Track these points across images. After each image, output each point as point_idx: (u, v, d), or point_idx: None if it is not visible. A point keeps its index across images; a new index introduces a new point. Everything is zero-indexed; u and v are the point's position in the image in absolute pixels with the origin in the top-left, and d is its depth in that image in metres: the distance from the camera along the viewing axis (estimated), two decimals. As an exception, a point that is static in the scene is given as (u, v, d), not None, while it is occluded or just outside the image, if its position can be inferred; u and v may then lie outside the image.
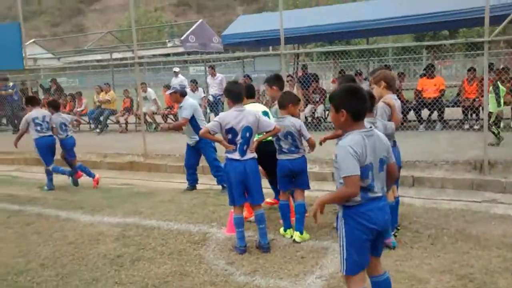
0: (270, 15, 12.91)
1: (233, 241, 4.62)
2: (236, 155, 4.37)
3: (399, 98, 4.98)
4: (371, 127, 2.86)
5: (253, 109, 4.75)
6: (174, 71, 14.70)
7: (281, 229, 4.85)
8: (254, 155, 4.46)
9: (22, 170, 9.90)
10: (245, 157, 4.37)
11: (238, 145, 4.35)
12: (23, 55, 10.65)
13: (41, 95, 16.20)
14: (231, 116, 4.39)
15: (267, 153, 4.87)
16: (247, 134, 4.36)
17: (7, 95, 15.36)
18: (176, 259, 4.27)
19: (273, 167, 4.88)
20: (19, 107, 15.38)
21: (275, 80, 5.35)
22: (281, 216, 4.85)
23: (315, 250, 4.36)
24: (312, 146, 4.76)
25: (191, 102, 6.84)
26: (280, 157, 4.72)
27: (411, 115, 10.50)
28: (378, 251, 2.93)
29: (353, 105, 2.76)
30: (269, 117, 5.27)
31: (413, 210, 5.40)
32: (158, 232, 5.02)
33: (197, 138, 6.58)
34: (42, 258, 4.45)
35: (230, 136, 4.36)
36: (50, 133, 7.58)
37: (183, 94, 6.78)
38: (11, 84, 15.64)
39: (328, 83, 16.33)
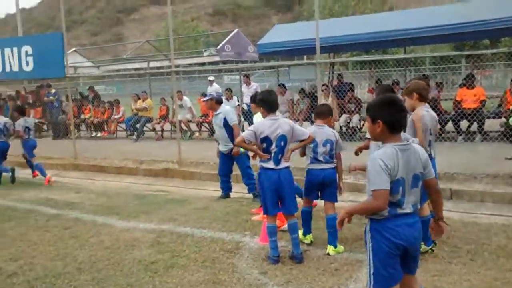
0: (305, 24, 12.91)
1: (266, 250, 4.60)
2: (270, 164, 4.37)
3: (437, 109, 4.88)
4: (408, 141, 2.78)
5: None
6: (209, 80, 14.87)
7: (300, 232, 4.81)
8: (289, 164, 4.45)
9: (61, 175, 10.16)
10: (280, 166, 4.37)
11: (273, 154, 4.35)
12: (65, 63, 11.00)
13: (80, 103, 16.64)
14: (265, 125, 4.40)
15: None
16: (282, 143, 4.35)
17: (48, 102, 15.90)
18: (209, 267, 4.28)
19: None
20: (59, 114, 15.90)
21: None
22: (302, 220, 4.83)
23: (349, 263, 4.28)
24: (339, 159, 4.76)
25: (229, 108, 6.90)
26: (312, 166, 4.67)
27: (450, 126, 10.24)
28: (410, 268, 2.83)
29: (389, 116, 2.71)
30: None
31: (451, 223, 5.23)
32: (192, 240, 5.05)
33: (231, 145, 6.60)
34: (78, 262, 4.54)
35: (264, 145, 4.37)
36: (2, 139, 8.83)
37: (218, 101, 6.80)
38: (53, 91, 16.19)
39: (364, 93, 16.15)
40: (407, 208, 2.71)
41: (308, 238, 4.84)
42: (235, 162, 6.92)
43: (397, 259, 2.72)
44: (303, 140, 4.53)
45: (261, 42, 12.05)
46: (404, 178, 2.68)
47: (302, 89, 12.80)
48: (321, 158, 4.62)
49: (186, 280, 4.01)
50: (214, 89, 14.20)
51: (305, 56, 16.90)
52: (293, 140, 4.54)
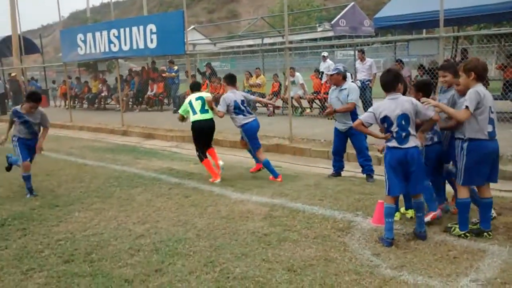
0: (427, -4, 12.09)
1: (379, 232, 4.51)
2: (394, 143, 4.27)
3: None
4: None
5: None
6: (323, 56, 14.68)
7: (402, 208, 4.96)
8: (417, 143, 4.30)
9: (180, 147, 10.83)
10: (405, 145, 4.24)
11: (395, 134, 4.24)
12: (185, 40, 11.56)
13: (199, 79, 17.46)
14: (385, 105, 4.31)
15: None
16: (403, 122, 4.21)
17: (169, 77, 16.92)
18: (320, 244, 4.31)
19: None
20: (177, 89, 16.86)
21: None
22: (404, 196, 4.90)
23: (470, 251, 4.03)
24: None
25: (355, 86, 6.76)
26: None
27: None
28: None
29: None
30: (203, 102, 6.96)
31: None
32: (303, 215, 5.11)
33: (350, 123, 6.49)
34: (198, 229, 4.84)
35: (385, 125, 4.29)
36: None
37: (345, 77, 6.66)
38: (175, 67, 17.17)
39: (491, 69, 14.79)
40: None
41: (410, 213, 4.91)
42: (350, 141, 6.80)
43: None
44: (429, 121, 4.38)
45: (378, 16, 11.58)
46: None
47: (421, 65, 12.12)
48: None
49: (298, 254, 4.08)
50: (326, 65, 14.05)
51: (424, 30, 15.92)
52: (418, 120, 4.37)
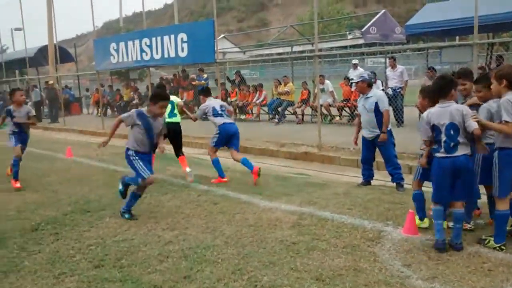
0: (460, 2, 11.88)
1: (409, 242, 4.42)
2: (443, 153, 4.22)
3: None
4: None
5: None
6: (353, 63, 14.64)
7: (417, 219, 4.85)
8: (467, 151, 4.22)
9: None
10: (454, 154, 4.18)
11: (443, 143, 4.20)
12: (215, 49, 11.68)
13: (228, 86, 17.61)
14: (434, 113, 4.26)
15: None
16: (452, 132, 4.15)
17: (198, 85, 17.10)
18: (350, 254, 4.24)
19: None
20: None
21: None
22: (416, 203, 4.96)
23: (506, 264, 3.90)
24: None
25: (382, 93, 6.69)
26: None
27: None
28: None
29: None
30: (172, 106, 7.62)
31: None
32: (332, 224, 5.05)
33: (377, 131, 6.41)
34: (226, 237, 4.84)
35: (434, 133, 4.26)
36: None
37: (370, 84, 6.60)
38: (205, 75, 17.36)
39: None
40: None
41: (426, 222, 4.86)
42: (378, 150, 6.71)
43: None
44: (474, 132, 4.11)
45: (409, 23, 11.46)
46: None
47: (454, 72, 11.88)
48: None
49: (327, 264, 4.03)
50: (357, 73, 13.98)
51: (457, 37, 15.62)
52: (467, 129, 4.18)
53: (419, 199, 4.94)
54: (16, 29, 24.85)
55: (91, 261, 4.32)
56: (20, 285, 3.89)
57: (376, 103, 6.41)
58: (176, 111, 7.74)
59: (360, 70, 14.37)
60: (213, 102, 7.69)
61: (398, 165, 6.57)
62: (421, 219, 4.89)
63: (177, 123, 7.85)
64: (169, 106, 7.37)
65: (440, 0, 14.37)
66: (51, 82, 21.66)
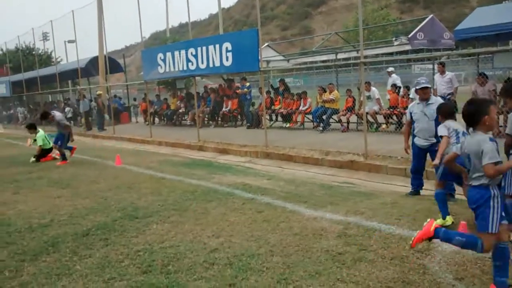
0: (512, 5, 11.46)
1: (461, 255, 4.25)
2: None
3: None
4: None
5: None
6: (388, 71, 14.66)
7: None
8: None
9: (253, 162, 10.94)
10: None
11: None
12: (259, 57, 11.74)
13: (272, 95, 17.64)
14: None
15: None
16: None
17: (242, 94, 17.24)
18: (398, 265, 4.12)
19: None
20: (249, 105, 17.14)
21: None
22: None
23: None
24: None
25: (442, 101, 6.49)
26: None
27: None
28: None
29: None
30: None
31: None
32: (380, 235, 4.93)
33: (433, 140, 6.21)
34: (270, 245, 4.82)
35: None
36: None
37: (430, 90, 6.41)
38: (247, 84, 17.49)
39: None
40: None
41: (449, 220, 5.09)
42: (431, 159, 6.50)
43: None
44: None
45: (459, 28, 11.13)
46: None
47: (509, 78, 11.42)
48: None
49: (374, 275, 3.93)
50: (391, 81, 14.04)
51: (510, 41, 15.02)
52: None
53: (442, 198, 5.10)
54: (69, 41, 25.90)
55: (139, 267, 4.41)
56: (72, 289, 4.02)
57: None
58: None
59: (394, 77, 14.37)
60: None
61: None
62: (444, 217, 5.06)
63: None
64: None
65: (491, 4, 13.90)
66: (99, 92, 22.45)
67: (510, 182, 4.59)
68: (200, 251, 4.74)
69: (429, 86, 6.33)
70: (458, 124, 5.16)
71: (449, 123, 5.25)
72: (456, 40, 12.13)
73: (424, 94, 6.33)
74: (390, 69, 15.02)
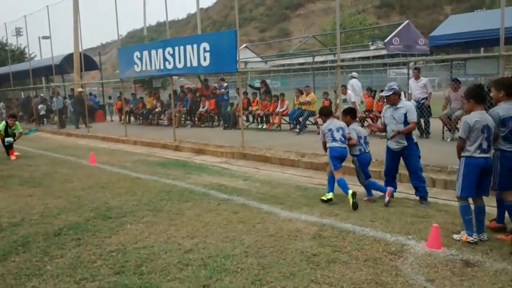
0: (485, 13, 11.78)
1: (433, 257, 4.33)
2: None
3: None
4: None
5: None
6: (351, 76, 15.05)
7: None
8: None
9: (230, 163, 10.90)
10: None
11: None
12: (237, 59, 11.71)
13: (250, 94, 17.62)
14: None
15: None
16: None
17: (219, 94, 17.20)
18: (371, 267, 4.17)
19: None
20: (227, 106, 17.11)
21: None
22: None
23: (535, 282, 3.78)
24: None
25: (412, 104, 6.62)
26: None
27: None
28: None
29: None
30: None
31: None
32: (354, 237, 4.98)
33: (405, 143, 6.33)
34: (245, 246, 4.81)
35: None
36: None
37: (399, 94, 6.52)
38: (225, 84, 17.44)
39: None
40: None
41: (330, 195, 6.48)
42: (404, 162, 6.61)
43: None
44: None
45: (433, 34, 11.32)
46: None
47: (480, 84, 11.70)
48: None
49: (348, 277, 3.97)
50: (351, 84, 14.55)
51: (482, 49, 15.37)
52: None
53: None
54: (44, 37, 25.34)
55: (112, 267, 4.34)
56: (42, 289, 3.93)
57: (405, 114, 6.33)
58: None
59: (353, 81, 14.84)
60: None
61: (423, 178, 6.45)
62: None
63: None
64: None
65: (464, 11, 14.22)
66: (79, 89, 21.98)
67: (459, 183, 4.85)
68: (174, 252, 4.71)
69: (394, 92, 6.41)
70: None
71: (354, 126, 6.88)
72: (431, 46, 12.32)
73: (389, 100, 6.52)
74: (354, 74, 15.53)
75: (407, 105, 6.42)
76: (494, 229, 5.07)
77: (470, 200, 4.85)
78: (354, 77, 15.60)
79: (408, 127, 6.35)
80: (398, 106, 6.42)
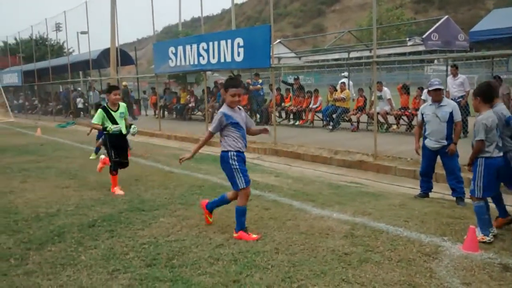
0: (530, 8, 11.29)
1: (469, 260, 4.19)
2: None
3: None
4: None
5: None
6: (343, 75, 15.05)
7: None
8: None
9: (262, 159, 10.89)
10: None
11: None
12: (270, 54, 11.67)
13: (283, 90, 17.56)
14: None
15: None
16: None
17: (254, 90, 17.19)
18: (404, 268, 4.07)
19: None
20: (263, 101, 17.08)
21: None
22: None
23: None
24: None
25: (456, 103, 6.42)
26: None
27: None
28: None
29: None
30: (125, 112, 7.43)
31: None
32: (387, 236, 4.88)
33: (445, 142, 6.16)
34: (276, 243, 4.78)
35: None
36: None
37: (443, 92, 6.35)
38: (260, 80, 17.43)
39: None
40: None
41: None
42: (441, 161, 6.44)
43: None
44: None
45: (474, 30, 10.97)
46: None
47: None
48: None
49: (380, 277, 3.88)
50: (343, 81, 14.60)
51: (526, 45, 14.77)
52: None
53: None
54: (82, 33, 25.97)
55: (144, 260, 4.40)
56: (76, 279, 4.01)
57: (451, 112, 6.15)
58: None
59: (345, 80, 15.00)
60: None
61: (461, 179, 6.26)
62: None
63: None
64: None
65: (507, 6, 13.71)
66: (124, 83, 22.27)
67: (480, 185, 4.77)
68: (205, 246, 4.72)
69: (442, 88, 6.25)
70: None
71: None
72: (471, 42, 11.95)
73: (437, 95, 6.24)
74: (345, 73, 15.78)
75: (451, 104, 6.24)
76: (502, 225, 5.07)
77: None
78: (345, 77, 15.65)
79: (457, 131, 6.22)
80: (442, 103, 6.23)
